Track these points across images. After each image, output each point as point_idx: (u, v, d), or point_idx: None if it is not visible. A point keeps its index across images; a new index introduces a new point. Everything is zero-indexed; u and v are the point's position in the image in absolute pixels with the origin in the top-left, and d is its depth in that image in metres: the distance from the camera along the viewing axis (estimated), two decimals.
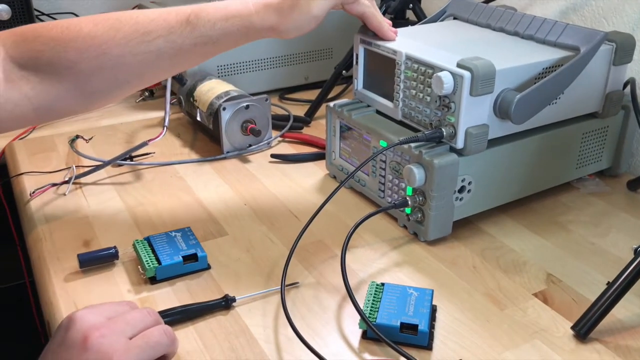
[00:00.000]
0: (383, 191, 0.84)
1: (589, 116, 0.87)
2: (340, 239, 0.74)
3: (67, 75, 0.69)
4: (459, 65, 0.72)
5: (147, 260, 0.70)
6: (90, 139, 1.00)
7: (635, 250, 0.64)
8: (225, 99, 1.00)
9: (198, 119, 1.05)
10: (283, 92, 1.28)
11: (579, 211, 0.86)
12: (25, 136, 1.08)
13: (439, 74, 0.72)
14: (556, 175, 0.88)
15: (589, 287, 0.69)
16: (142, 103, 1.24)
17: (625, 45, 0.83)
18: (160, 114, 1.19)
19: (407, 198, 0.77)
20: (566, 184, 0.90)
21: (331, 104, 0.91)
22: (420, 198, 0.77)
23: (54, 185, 0.90)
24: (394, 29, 0.84)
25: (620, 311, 0.66)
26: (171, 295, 0.68)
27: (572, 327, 0.63)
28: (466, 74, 0.71)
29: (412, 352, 0.59)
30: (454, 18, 0.97)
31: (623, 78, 0.86)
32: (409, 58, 0.79)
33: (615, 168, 0.93)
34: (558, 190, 0.89)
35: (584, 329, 0.62)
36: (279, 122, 1.11)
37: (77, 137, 0.99)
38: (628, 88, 0.87)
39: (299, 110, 1.18)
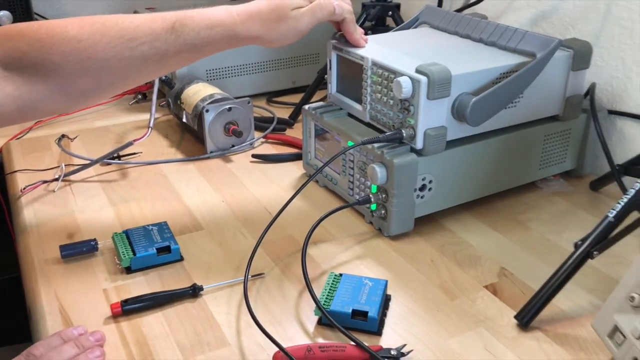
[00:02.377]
0: (352, 189, 0.88)
1: (551, 119, 0.91)
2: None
3: (51, 76, 0.70)
4: (417, 71, 0.76)
5: (123, 252, 0.75)
6: (74, 138, 1.05)
7: (576, 245, 0.68)
8: (208, 101, 1.05)
9: (184, 120, 1.10)
10: (271, 95, 1.33)
11: (540, 210, 0.90)
12: (22, 136, 1.14)
13: (399, 78, 0.77)
14: (519, 176, 0.92)
15: (539, 280, 0.72)
16: (135, 105, 1.30)
17: (582, 52, 0.87)
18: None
19: (371, 195, 0.82)
20: (531, 183, 0.94)
21: (306, 106, 0.95)
22: (383, 195, 0.81)
23: (44, 182, 0.96)
24: (365, 36, 0.88)
25: (564, 302, 0.70)
26: (144, 284, 0.73)
27: (515, 317, 0.67)
28: (423, 79, 0.75)
29: (362, 337, 0.63)
30: (427, 25, 1.01)
31: (582, 83, 0.90)
32: (374, 64, 0.83)
33: (579, 169, 0.97)
34: (522, 189, 0.93)
35: (525, 319, 0.66)
36: (263, 123, 1.16)
37: (63, 136, 1.04)
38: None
39: (286, 113, 1.23)
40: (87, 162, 0.99)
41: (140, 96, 1.31)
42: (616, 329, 0.55)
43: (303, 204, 0.90)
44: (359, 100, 0.88)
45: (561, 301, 0.69)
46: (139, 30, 0.72)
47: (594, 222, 0.68)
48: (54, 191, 0.95)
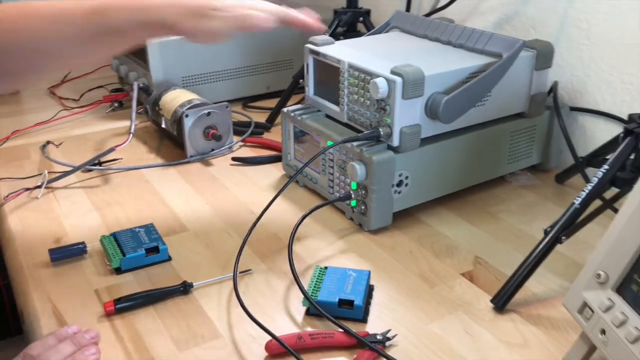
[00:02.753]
0: (332, 187, 0.92)
1: (517, 116, 0.96)
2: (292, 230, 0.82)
3: None
4: (392, 72, 0.80)
5: (112, 253, 0.78)
6: (60, 144, 1.06)
7: (545, 231, 0.73)
8: (187, 106, 1.08)
9: (163, 126, 1.12)
10: (246, 101, 1.35)
11: (510, 202, 0.95)
12: (0, 145, 1.14)
13: (375, 80, 0.80)
14: (489, 170, 0.96)
15: (512, 267, 0.77)
16: (112, 113, 1.31)
17: (545, 52, 0.92)
18: (128, 123, 1.26)
19: (351, 192, 0.86)
20: (500, 178, 0.99)
21: (285, 109, 0.99)
22: (363, 192, 0.85)
23: (27, 189, 0.97)
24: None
25: (536, 286, 0.74)
26: (134, 284, 0.75)
27: (491, 301, 0.72)
28: (398, 80, 0.79)
29: (348, 325, 0.66)
30: (397, 29, 1.06)
31: (546, 81, 0.95)
32: (351, 66, 0.87)
33: (545, 163, 1.02)
34: (492, 183, 0.98)
35: (500, 302, 0.71)
36: (241, 128, 1.18)
37: (48, 142, 1.05)
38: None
39: (261, 118, 1.26)
40: (70, 168, 1.00)
41: (116, 104, 1.33)
42: (585, 305, 0.59)
43: (285, 204, 0.94)
44: (336, 102, 0.92)
45: (533, 285, 0.74)
46: (62, 13, 0.70)
47: (561, 212, 0.73)
48: (37, 198, 0.96)
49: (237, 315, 0.70)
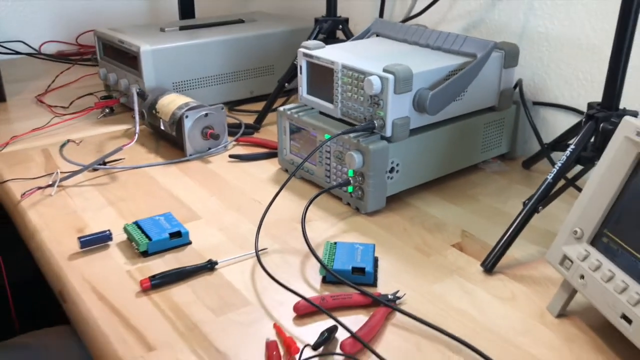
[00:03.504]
0: (329, 176, 1.01)
1: (488, 110, 1.08)
2: (296, 216, 0.92)
3: None
4: (384, 70, 0.91)
5: (139, 238, 0.85)
6: (80, 142, 1.12)
7: (524, 203, 0.84)
8: (186, 108, 1.16)
9: (162, 127, 1.20)
10: (231, 105, 1.44)
11: (485, 186, 1.07)
12: (0, 150, 1.19)
13: (369, 77, 0.91)
14: (466, 158, 1.08)
15: (494, 238, 0.88)
16: (104, 119, 1.37)
17: (511, 53, 1.05)
18: (120, 127, 1.33)
19: (350, 179, 0.96)
20: (474, 166, 1.11)
21: (281, 108, 1.08)
22: (360, 178, 0.95)
23: (39, 188, 1.03)
24: None
25: (517, 252, 0.86)
26: (162, 265, 0.83)
27: (481, 265, 0.83)
28: (390, 77, 0.90)
29: (361, 289, 0.76)
30: (377, 35, 1.17)
31: (512, 79, 1.08)
32: (344, 67, 0.97)
33: (512, 152, 1.15)
34: (468, 171, 1.10)
35: (489, 265, 0.82)
36: (231, 129, 1.27)
37: (68, 141, 1.11)
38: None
39: (247, 120, 1.34)
40: (79, 168, 1.06)
41: (107, 110, 1.39)
42: (565, 257, 0.71)
43: (284, 194, 1.02)
44: (329, 100, 1.02)
45: (515, 252, 0.85)
46: None
47: (530, 193, 0.85)
48: (51, 195, 1.02)
49: (262, 286, 0.78)
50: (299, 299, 0.73)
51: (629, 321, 0.61)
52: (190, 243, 0.88)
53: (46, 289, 0.88)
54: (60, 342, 0.96)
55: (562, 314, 0.73)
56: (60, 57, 1.87)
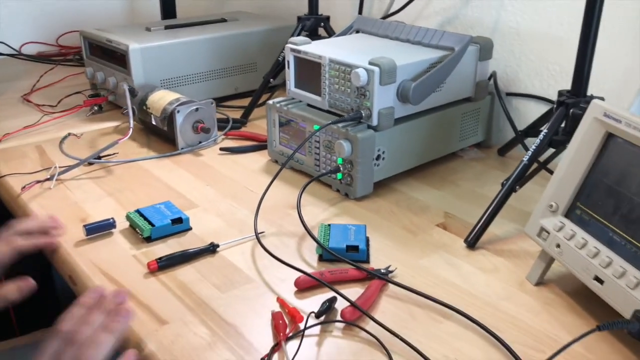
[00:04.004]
0: (318, 165, 1.07)
1: (466, 100, 1.15)
2: (289, 202, 0.98)
3: None
4: (370, 63, 0.97)
5: (142, 224, 0.89)
6: (81, 135, 1.16)
7: (502, 184, 0.91)
8: (177, 104, 1.20)
9: (153, 123, 1.24)
10: (217, 101, 1.48)
11: (464, 172, 1.13)
12: None
13: (356, 70, 0.97)
14: (445, 146, 1.15)
15: (474, 217, 0.95)
16: (93, 116, 1.41)
17: (486, 46, 1.12)
18: (110, 124, 1.36)
19: (339, 166, 1.01)
20: (453, 153, 1.18)
21: (270, 101, 1.13)
22: (349, 165, 1.01)
23: (38, 182, 1.06)
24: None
25: (497, 229, 0.92)
26: (166, 249, 0.87)
27: (465, 241, 0.89)
28: (376, 69, 0.96)
29: (357, 264, 0.82)
30: (359, 32, 1.23)
31: (487, 71, 1.15)
32: (331, 61, 1.03)
33: (488, 140, 1.22)
34: (447, 158, 1.17)
35: (472, 241, 0.88)
36: (219, 124, 1.31)
37: (69, 134, 1.15)
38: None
39: (234, 115, 1.39)
40: (76, 161, 1.10)
41: (96, 108, 1.42)
42: (542, 229, 0.77)
43: (276, 183, 1.07)
44: (317, 92, 1.07)
45: (495, 229, 0.92)
46: None
47: (505, 177, 0.92)
48: (50, 188, 1.05)
49: (263, 265, 0.84)
50: (298, 275, 0.79)
51: (601, 282, 0.68)
52: (190, 229, 0.93)
53: (45, 288, 0.92)
54: None
55: (540, 282, 0.80)
56: (41, 58, 1.89)
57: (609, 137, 0.73)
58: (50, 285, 1.08)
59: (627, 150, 0.70)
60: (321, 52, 1.05)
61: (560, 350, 0.55)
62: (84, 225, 0.89)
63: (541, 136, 0.92)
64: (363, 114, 0.99)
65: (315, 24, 1.40)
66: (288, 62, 1.11)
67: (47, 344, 0.62)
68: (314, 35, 1.41)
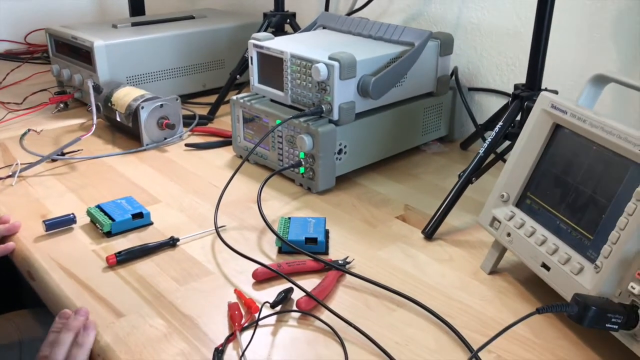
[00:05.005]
0: (282, 160, 1.08)
1: (428, 95, 1.17)
2: (252, 196, 0.99)
3: None
4: (330, 58, 0.98)
5: (102, 219, 0.89)
6: (41, 131, 1.15)
7: (459, 175, 0.93)
8: (141, 100, 1.20)
9: (118, 119, 1.24)
10: (185, 98, 1.48)
11: (427, 166, 1.15)
12: None
13: (316, 65, 0.98)
14: (408, 141, 1.16)
15: (434, 210, 0.96)
16: (58, 113, 1.40)
17: (447, 41, 1.13)
18: (76, 121, 1.36)
19: (301, 160, 1.02)
20: (416, 147, 1.20)
21: (234, 97, 1.14)
22: (311, 160, 1.02)
23: None
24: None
25: (455, 221, 0.94)
26: (126, 244, 0.88)
27: (422, 232, 0.91)
28: (336, 64, 0.97)
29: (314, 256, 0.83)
30: (323, 27, 1.24)
31: (448, 66, 1.17)
32: (293, 56, 1.04)
33: (450, 135, 1.24)
34: (411, 152, 1.18)
35: (429, 231, 0.90)
36: (186, 120, 1.32)
37: (29, 130, 1.14)
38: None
39: (201, 112, 1.39)
40: (39, 158, 1.10)
41: (62, 105, 1.42)
42: (494, 219, 0.79)
43: (240, 177, 1.08)
44: (280, 88, 1.08)
45: (452, 220, 0.94)
46: None
47: None
48: (12, 185, 1.05)
49: (222, 258, 0.84)
50: (257, 267, 0.80)
51: (548, 268, 0.70)
52: (152, 224, 0.93)
53: (5, 277, 0.91)
54: (26, 322, 1.00)
55: (494, 271, 0.82)
56: (9, 56, 1.87)
57: (557, 128, 0.75)
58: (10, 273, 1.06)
59: (572, 141, 0.72)
60: (283, 47, 1.06)
61: (501, 332, 0.56)
62: (44, 221, 0.89)
63: (497, 129, 0.94)
64: (324, 109, 1.00)
65: (281, 21, 1.40)
66: (251, 57, 1.12)
67: None
68: (280, 32, 1.42)
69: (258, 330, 0.70)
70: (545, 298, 0.76)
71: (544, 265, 0.71)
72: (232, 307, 0.72)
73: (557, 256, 0.69)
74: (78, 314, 0.72)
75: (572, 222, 0.70)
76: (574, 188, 0.71)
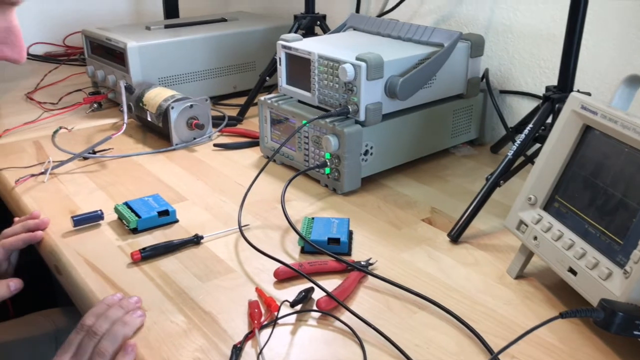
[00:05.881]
0: (307, 160, 1.08)
1: (457, 97, 1.15)
2: (277, 196, 0.99)
3: None
4: (357, 59, 0.97)
5: (129, 216, 0.90)
6: (72, 129, 1.18)
7: (487, 178, 0.91)
8: (172, 100, 1.22)
9: (149, 119, 1.25)
10: (216, 99, 1.50)
11: (455, 168, 1.13)
12: None
13: (343, 65, 0.97)
14: (437, 143, 1.15)
15: (461, 213, 0.95)
16: (92, 113, 1.43)
17: (477, 43, 1.12)
18: (109, 121, 1.38)
19: (327, 161, 1.02)
20: (445, 150, 1.18)
21: (262, 98, 1.14)
22: (336, 160, 1.01)
23: (32, 175, 1.08)
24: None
25: (481, 224, 0.92)
26: (152, 240, 0.89)
27: (448, 235, 0.89)
28: (363, 64, 0.96)
29: (336, 256, 0.82)
30: (353, 29, 1.23)
31: (479, 68, 1.15)
32: (320, 57, 1.04)
33: (481, 138, 1.22)
34: (439, 155, 1.17)
35: (455, 235, 0.88)
36: (216, 121, 1.33)
37: (60, 128, 1.17)
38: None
39: (231, 113, 1.40)
40: (70, 155, 1.12)
41: (95, 105, 1.44)
42: (521, 222, 0.77)
43: (266, 178, 1.09)
44: (307, 89, 1.08)
45: (479, 224, 0.92)
46: None
47: None
48: (44, 182, 1.07)
49: (245, 257, 0.84)
50: (279, 265, 0.79)
51: (575, 273, 0.68)
52: (177, 221, 0.94)
53: (39, 275, 0.93)
54: (61, 319, 1.02)
55: (520, 276, 0.80)
56: (48, 58, 1.92)
57: (587, 129, 0.73)
58: (46, 272, 1.10)
59: (603, 142, 0.70)
60: (311, 48, 1.06)
61: (523, 335, 0.55)
62: (72, 217, 0.91)
63: (526, 131, 0.92)
64: (350, 109, 1.00)
65: (311, 23, 1.41)
66: (280, 58, 1.12)
67: (72, 336, 0.70)
68: (310, 34, 1.42)
69: (277, 328, 0.69)
70: (572, 304, 0.73)
71: (571, 270, 0.69)
72: (252, 305, 0.72)
73: (584, 261, 0.67)
74: (132, 299, 0.74)
75: (601, 226, 0.68)
76: (603, 191, 0.69)
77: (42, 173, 1.09)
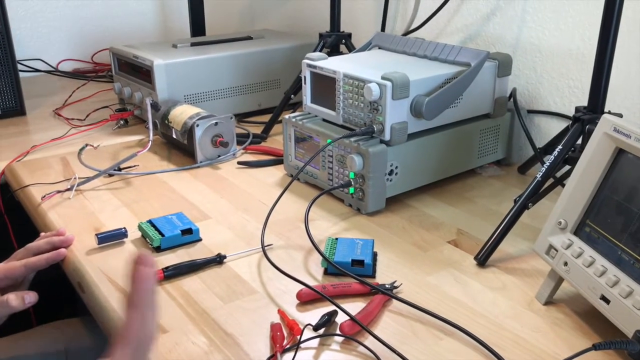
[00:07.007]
0: (331, 180, 1.07)
1: (484, 117, 1.13)
2: (300, 215, 0.98)
3: None
4: (383, 78, 0.97)
5: (152, 234, 0.90)
6: (97, 146, 1.19)
7: (515, 200, 0.89)
8: (197, 118, 1.22)
9: (174, 136, 1.26)
10: (240, 117, 1.50)
11: (482, 189, 1.12)
12: (22, 159, 1.26)
13: (369, 84, 0.97)
14: (463, 163, 1.13)
15: (488, 235, 0.93)
16: (118, 130, 1.44)
17: (505, 62, 1.10)
18: (134, 138, 1.39)
19: (351, 180, 1.01)
20: (471, 170, 1.16)
21: (287, 116, 1.14)
22: (360, 180, 1.00)
23: (58, 192, 1.09)
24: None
25: (509, 247, 0.90)
26: (175, 259, 0.88)
27: (475, 258, 0.87)
28: (388, 84, 0.96)
29: (360, 278, 0.81)
30: (379, 48, 1.23)
31: (506, 87, 1.13)
32: (345, 76, 1.03)
33: (508, 158, 1.20)
34: (465, 175, 1.15)
35: (482, 258, 0.87)
36: (241, 138, 1.33)
37: (86, 145, 1.18)
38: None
39: (255, 130, 1.40)
40: (96, 172, 1.13)
41: (122, 122, 1.46)
42: (550, 247, 0.75)
43: (290, 196, 1.08)
44: (332, 107, 1.08)
45: (507, 247, 0.90)
46: None
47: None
48: (69, 198, 1.08)
49: (267, 277, 0.83)
50: (302, 287, 0.78)
51: (607, 301, 0.66)
52: (200, 240, 0.94)
53: (61, 288, 0.94)
54: (74, 331, 1.02)
55: (549, 302, 0.78)
56: (76, 74, 1.95)
57: (619, 152, 0.71)
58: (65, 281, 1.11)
59: (637, 166, 0.68)
60: (336, 67, 1.06)
61: None
62: (96, 234, 0.91)
63: (556, 152, 0.90)
64: (375, 129, 0.99)
65: (336, 41, 1.40)
66: (305, 77, 1.12)
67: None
68: (335, 52, 1.42)
69: (299, 352, 0.68)
70: (604, 333, 0.71)
71: (604, 298, 0.66)
72: (274, 328, 0.71)
73: (618, 289, 0.65)
74: (60, 233, 0.89)
75: (635, 253, 0.66)
76: (637, 217, 0.67)
77: (68, 189, 1.10)
